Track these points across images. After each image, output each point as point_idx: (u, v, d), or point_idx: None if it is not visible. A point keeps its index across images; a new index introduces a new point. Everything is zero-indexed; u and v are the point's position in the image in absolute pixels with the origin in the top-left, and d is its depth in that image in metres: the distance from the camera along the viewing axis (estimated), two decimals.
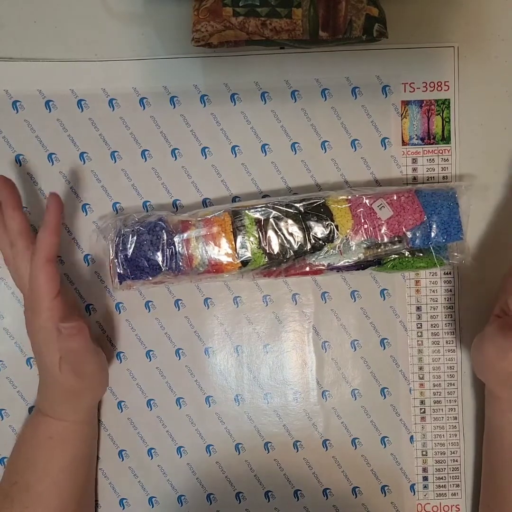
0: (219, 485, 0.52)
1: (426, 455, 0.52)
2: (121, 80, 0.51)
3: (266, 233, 0.46)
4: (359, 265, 0.48)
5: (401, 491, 0.52)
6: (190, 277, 0.47)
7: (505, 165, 0.52)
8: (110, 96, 0.51)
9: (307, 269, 0.48)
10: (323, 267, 0.48)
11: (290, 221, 0.46)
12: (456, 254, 0.48)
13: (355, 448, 0.52)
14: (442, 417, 0.52)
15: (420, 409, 0.52)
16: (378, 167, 0.51)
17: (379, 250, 0.47)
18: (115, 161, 0.51)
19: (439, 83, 0.51)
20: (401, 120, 0.51)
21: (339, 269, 0.48)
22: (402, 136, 0.51)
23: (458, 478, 0.52)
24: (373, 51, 0.50)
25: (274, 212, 0.47)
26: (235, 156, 0.51)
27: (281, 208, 0.47)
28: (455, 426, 0.52)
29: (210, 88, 0.51)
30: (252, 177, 0.51)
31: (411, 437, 0.52)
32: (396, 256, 0.48)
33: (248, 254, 0.46)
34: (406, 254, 0.48)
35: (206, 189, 0.51)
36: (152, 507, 0.51)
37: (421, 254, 0.48)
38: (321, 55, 0.51)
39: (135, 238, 0.46)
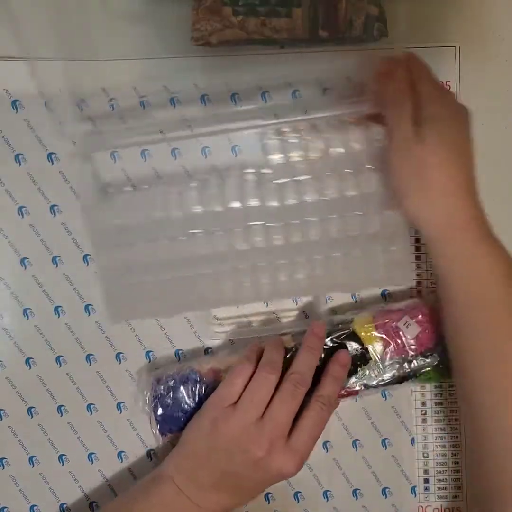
0: None
1: (427, 457, 0.52)
2: (121, 79, 0.51)
3: None
4: (394, 382, 0.47)
5: (402, 493, 0.51)
6: None
7: (505, 164, 0.51)
8: (109, 95, 0.51)
9: (343, 392, 0.47)
10: (359, 389, 0.47)
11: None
12: None
13: (356, 450, 0.51)
14: (443, 419, 0.52)
15: (421, 410, 0.52)
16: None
17: (412, 365, 0.47)
18: (115, 161, 0.51)
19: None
20: None
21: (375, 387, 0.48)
22: None
23: (459, 480, 0.51)
24: (373, 50, 0.50)
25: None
26: (236, 155, 0.51)
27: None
28: (456, 428, 0.51)
29: (210, 87, 0.51)
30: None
31: (412, 439, 0.51)
32: (429, 368, 0.47)
33: None
34: (440, 366, 0.47)
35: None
36: None
37: None
38: (321, 54, 0.50)
39: (171, 394, 0.47)
